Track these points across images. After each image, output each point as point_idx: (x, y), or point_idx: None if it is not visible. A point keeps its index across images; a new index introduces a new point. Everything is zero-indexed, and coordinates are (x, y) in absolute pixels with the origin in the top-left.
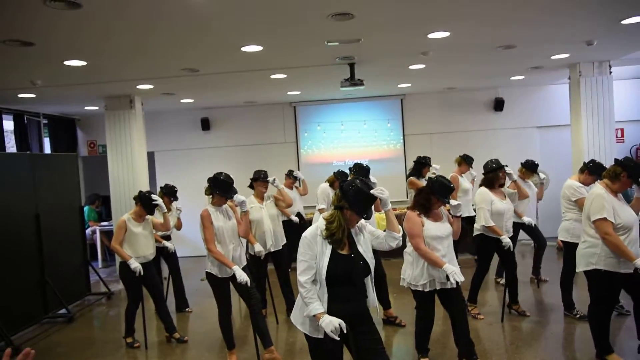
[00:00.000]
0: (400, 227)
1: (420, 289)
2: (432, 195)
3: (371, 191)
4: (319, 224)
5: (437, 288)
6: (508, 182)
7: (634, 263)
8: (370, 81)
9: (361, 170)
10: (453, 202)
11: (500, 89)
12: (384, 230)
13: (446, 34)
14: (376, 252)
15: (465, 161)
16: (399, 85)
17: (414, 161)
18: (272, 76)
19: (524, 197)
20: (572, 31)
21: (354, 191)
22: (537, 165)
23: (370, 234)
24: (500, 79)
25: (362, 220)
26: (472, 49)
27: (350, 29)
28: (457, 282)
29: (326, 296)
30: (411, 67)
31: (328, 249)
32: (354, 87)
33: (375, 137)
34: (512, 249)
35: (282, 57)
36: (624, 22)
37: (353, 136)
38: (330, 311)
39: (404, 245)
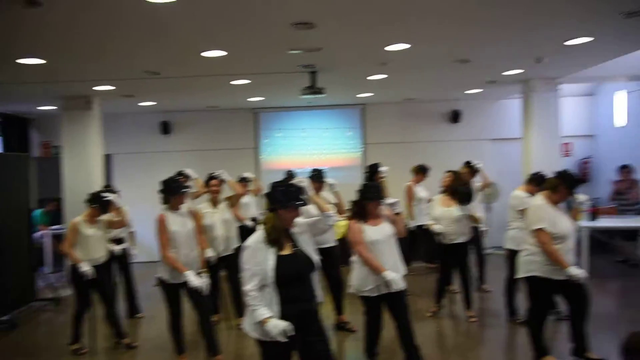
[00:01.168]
0: (328, 206)
1: (366, 294)
2: (364, 201)
3: (293, 181)
4: (259, 231)
5: (383, 292)
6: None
7: (566, 270)
8: (331, 90)
9: (318, 174)
10: (389, 200)
11: (458, 101)
12: (330, 226)
13: (404, 46)
14: (335, 260)
15: (421, 171)
16: (360, 95)
17: (364, 172)
18: (232, 82)
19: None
20: (521, 49)
21: (281, 190)
22: (468, 161)
23: (307, 226)
24: (458, 92)
25: (299, 219)
26: (429, 62)
27: (311, 38)
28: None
29: (276, 299)
30: (371, 77)
31: (271, 252)
32: (314, 95)
33: (336, 145)
34: (463, 253)
35: (244, 63)
36: (566, 43)
37: (314, 143)
38: (283, 312)
39: None
